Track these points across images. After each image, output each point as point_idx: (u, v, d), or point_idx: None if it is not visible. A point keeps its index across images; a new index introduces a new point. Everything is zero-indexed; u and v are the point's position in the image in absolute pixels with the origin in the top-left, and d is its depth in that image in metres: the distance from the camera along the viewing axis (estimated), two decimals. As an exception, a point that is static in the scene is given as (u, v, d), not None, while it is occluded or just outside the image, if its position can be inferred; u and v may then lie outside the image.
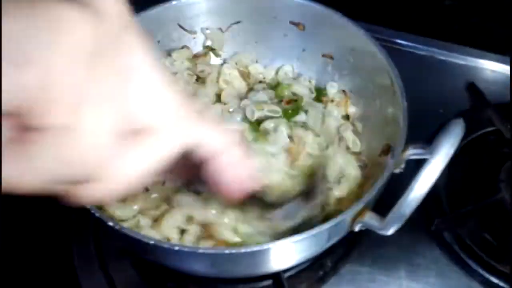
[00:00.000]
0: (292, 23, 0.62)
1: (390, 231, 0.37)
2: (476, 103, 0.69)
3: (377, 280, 0.55)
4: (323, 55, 0.62)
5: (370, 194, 0.38)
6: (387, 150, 0.49)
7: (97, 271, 0.53)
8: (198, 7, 0.61)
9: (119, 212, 0.42)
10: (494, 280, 0.54)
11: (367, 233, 0.58)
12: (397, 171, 0.43)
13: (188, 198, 0.42)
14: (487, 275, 0.54)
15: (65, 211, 0.55)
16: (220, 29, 0.65)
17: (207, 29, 0.64)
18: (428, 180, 0.33)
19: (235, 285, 0.52)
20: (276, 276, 0.50)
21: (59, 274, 0.55)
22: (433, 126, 0.66)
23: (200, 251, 0.34)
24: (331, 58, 0.62)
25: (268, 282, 0.53)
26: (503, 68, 0.74)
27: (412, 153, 0.40)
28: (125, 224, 0.42)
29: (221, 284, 0.51)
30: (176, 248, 0.33)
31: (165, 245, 0.33)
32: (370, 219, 0.39)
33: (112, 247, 0.54)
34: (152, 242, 0.33)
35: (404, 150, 0.41)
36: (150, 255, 0.40)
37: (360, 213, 0.39)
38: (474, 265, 0.55)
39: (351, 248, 0.57)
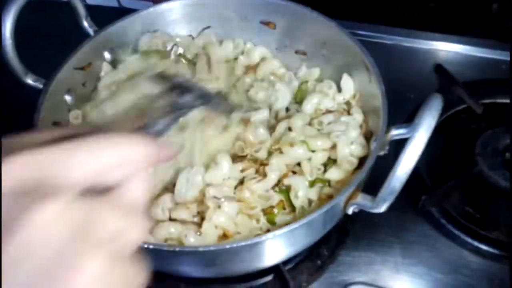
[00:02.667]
0: (262, 22, 0.63)
1: (383, 208, 0.38)
2: (445, 83, 0.72)
3: (374, 262, 0.56)
4: (296, 52, 0.63)
5: (360, 176, 0.39)
6: (370, 135, 0.50)
7: None
8: (167, 16, 0.61)
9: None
10: (484, 247, 0.56)
11: (358, 220, 0.60)
12: (382, 153, 0.44)
13: None
14: (476, 243, 0.56)
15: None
16: (191, 35, 0.65)
17: (177, 37, 0.64)
18: (415, 154, 0.34)
19: (236, 285, 0.53)
20: (276, 270, 0.51)
21: None
22: (407, 110, 0.68)
23: (201, 249, 0.33)
24: (305, 54, 0.63)
25: (269, 278, 0.53)
26: (465, 49, 0.77)
27: (395, 133, 0.41)
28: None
29: (222, 285, 0.51)
30: (177, 249, 0.33)
31: (165, 248, 0.33)
32: (363, 200, 0.40)
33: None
34: (151, 247, 0.33)
35: (387, 132, 0.42)
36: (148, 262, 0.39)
37: (352, 196, 0.40)
38: (462, 235, 0.57)
39: (344, 235, 0.58)
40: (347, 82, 0.56)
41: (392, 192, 0.36)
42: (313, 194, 0.47)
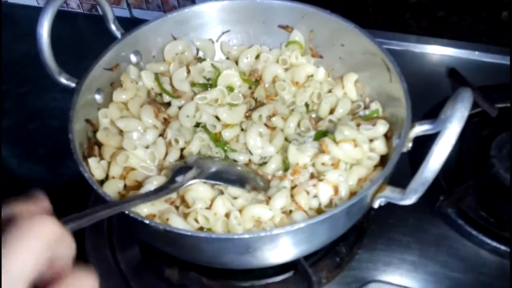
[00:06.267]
0: (280, 26, 0.65)
1: (413, 199, 0.39)
2: (459, 87, 0.73)
3: (392, 261, 0.57)
4: (313, 55, 0.65)
5: (387, 170, 0.40)
6: (390, 134, 0.52)
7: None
8: (191, 20, 0.63)
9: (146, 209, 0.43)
10: (502, 247, 0.56)
11: (375, 221, 0.61)
12: (405, 150, 0.45)
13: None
14: (495, 243, 0.57)
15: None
16: (211, 39, 0.67)
17: (198, 41, 0.66)
18: (448, 145, 0.35)
19: (257, 281, 0.53)
20: (297, 266, 0.51)
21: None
22: (420, 113, 0.70)
23: (236, 237, 0.35)
24: (321, 57, 0.64)
25: (289, 274, 0.54)
26: (474, 54, 0.79)
27: (420, 130, 0.42)
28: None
29: (243, 279, 0.52)
30: (214, 236, 0.34)
31: (202, 235, 0.34)
32: (391, 192, 0.41)
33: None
34: (189, 234, 0.34)
35: (410, 128, 0.44)
36: (182, 250, 0.40)
37: (379, 189, 0.41)
38: (481, 236, 0.57)
39: (361, 235, 0.59)
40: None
41: (425, 183, 0.37)
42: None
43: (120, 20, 0.60)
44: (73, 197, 0.54)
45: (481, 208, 0.61)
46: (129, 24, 0.60)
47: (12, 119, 0.77)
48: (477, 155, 0.66)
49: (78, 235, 0.57)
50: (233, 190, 0.49)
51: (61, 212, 0.62)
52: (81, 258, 0.55)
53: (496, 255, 0.57)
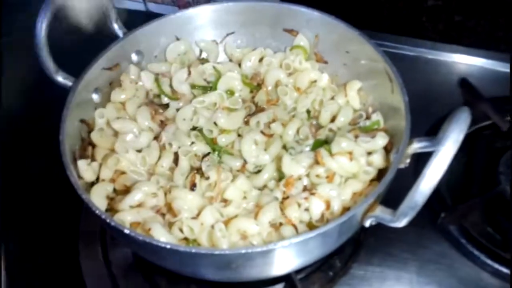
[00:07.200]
0: (285, 30, 0.63)
1: (403, 223, 0.37)
2: (470, 98, 0.70)
3: (388, 278, 0.55)
4: (317, 61, 0.63)
5: (380, 188, 0.39)
6: (390, 147, 0.50)
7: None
8: (194, 21, 0.62)
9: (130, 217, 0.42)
10: (504, 269, 0.54)
11: (373, 233, 0.59)
12: (402, 166, 0.44)
13: None
14: (496, 266, 0.55)
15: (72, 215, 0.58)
16: (215, 41, 0.66)
17: (201, 41, 0.65)
18: (440, 168, 0.33)
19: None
20: (288, 279, 0.50)
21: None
22: (428, 124, 0.67)
23: (216, 252, 0.34)
24: (326, 63, 0.63)
25: (279, 286, 0.53)
26: (491, 64, 0.76)
27: (418, 146, 0.40)
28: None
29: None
30: (193, 250, 0.33)
31: (181, 249, 0.33)
32: (382, 213, 0.39)
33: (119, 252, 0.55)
34: (168, 247, 0.33)
35: (409, 144, 0.42)
36: (163, 261, 0.40)
37: (370, 208, 0.40)
38: (482, 257, 0.55)
39: (358, 248, 0.57)
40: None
41: (415, 206, 0.35)
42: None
43: (136, 14, 0.60)
44: (71, 196, 0.54)
45: (488, 224, 0.59)
46: (144, 18, 0.60)
47: (14, 114, 0.77)
48: (486, 170, 0.63)
49: (74, 233, 0.58)
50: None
51: (61, 210, 0.63)
52: (73, 255, 0.57)
53: (497, 278, 0.55)
